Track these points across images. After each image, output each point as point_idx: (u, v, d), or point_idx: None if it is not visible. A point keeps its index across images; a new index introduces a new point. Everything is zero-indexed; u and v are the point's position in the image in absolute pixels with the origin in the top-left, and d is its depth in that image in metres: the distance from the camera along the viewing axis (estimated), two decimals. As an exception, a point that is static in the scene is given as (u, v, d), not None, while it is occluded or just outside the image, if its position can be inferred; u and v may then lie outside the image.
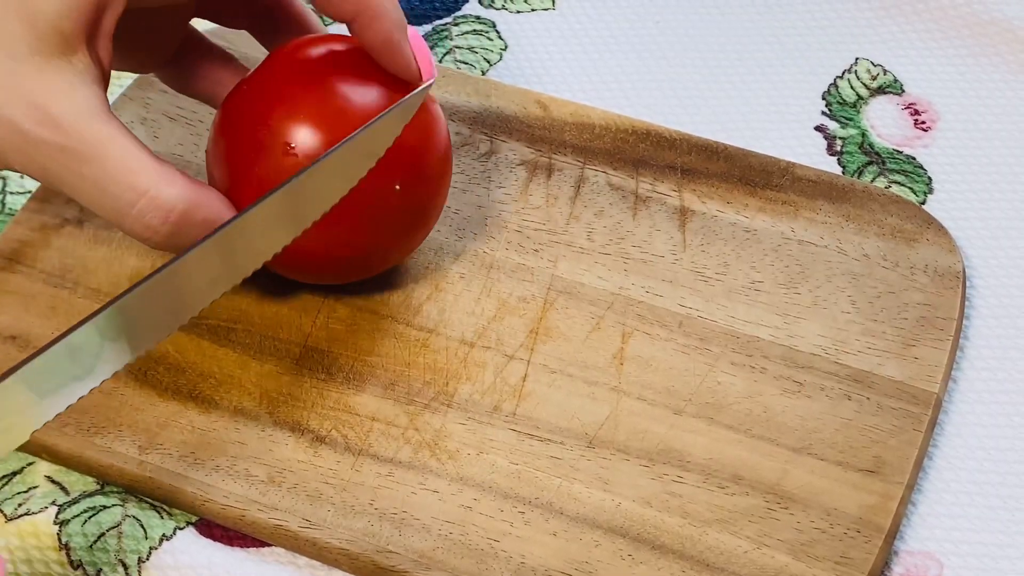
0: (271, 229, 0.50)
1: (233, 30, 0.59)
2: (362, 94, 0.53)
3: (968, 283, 0.59)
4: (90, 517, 0.53)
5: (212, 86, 0.57)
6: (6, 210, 0.62)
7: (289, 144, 0.52)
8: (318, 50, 0.54)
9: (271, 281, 0.58)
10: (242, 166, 0.53)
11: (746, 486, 0.52)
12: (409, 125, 0.52)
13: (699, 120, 0.66)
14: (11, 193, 0.63)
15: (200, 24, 0.58)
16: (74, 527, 0.53)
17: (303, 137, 0.52)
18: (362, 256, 0.56)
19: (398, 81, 0.53)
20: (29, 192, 0.63)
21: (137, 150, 0.49)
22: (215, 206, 0.50)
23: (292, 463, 0.53)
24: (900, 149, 0.64)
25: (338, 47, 0.54)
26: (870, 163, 0.64)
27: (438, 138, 0.55)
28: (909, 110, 0.66)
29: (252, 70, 0.55)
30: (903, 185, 0.63)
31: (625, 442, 0.53)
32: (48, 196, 0.61)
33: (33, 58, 0.49)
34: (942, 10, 0.69)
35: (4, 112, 0.48)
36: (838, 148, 0.65)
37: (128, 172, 0.49)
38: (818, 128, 0.65)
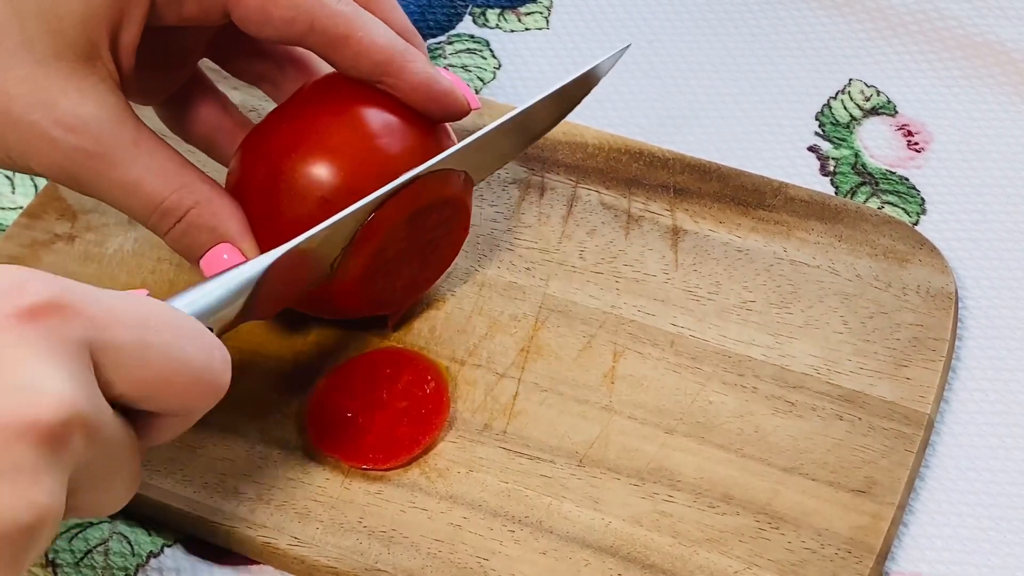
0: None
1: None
2: (391, 128, 0.53)
3: (960, 304, 0.59)
4: (77, 533, 0.53)
5: (210, 131, 0.57)
6: (-3, 226, 0.62)
7: (317, 181, 0.52)
8: (346, 85, 0.53)
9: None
10: (266, 200, 0.52)
11: (737, 506, 0.52)
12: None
13: (692, 140, 0.66)
14: (1, 208, 0.63)
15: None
16: (61, 543, 0.53)
17: (329, 174, 0.51)
18: (377, 310, 0.56)
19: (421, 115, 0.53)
20: (20, 208, 0.63)
21: (162, 153, 0.50)
22: (226, 213, 0.51)
23: (281, 480, 0.53)
24: (893, 170, 0.64)
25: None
26: (863, 184, 0.64)
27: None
28: (902, 131, 0.66)
29: (273, 109, 0.55)
30: (896, 206, 0.63)
31: (616, 461, 0.53)
32: (39, 212, 0.61)
33: (58, 63, 0.49)
34: (936, 32, 0.70)
35: (30, 117, 0.49)
36: (831, 168, 0.65)
37: (153, 176, 0.50)
38: (811, 148, 0.65)
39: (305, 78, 0.56)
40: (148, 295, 0.43)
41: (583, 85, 0.58)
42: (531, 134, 0.59)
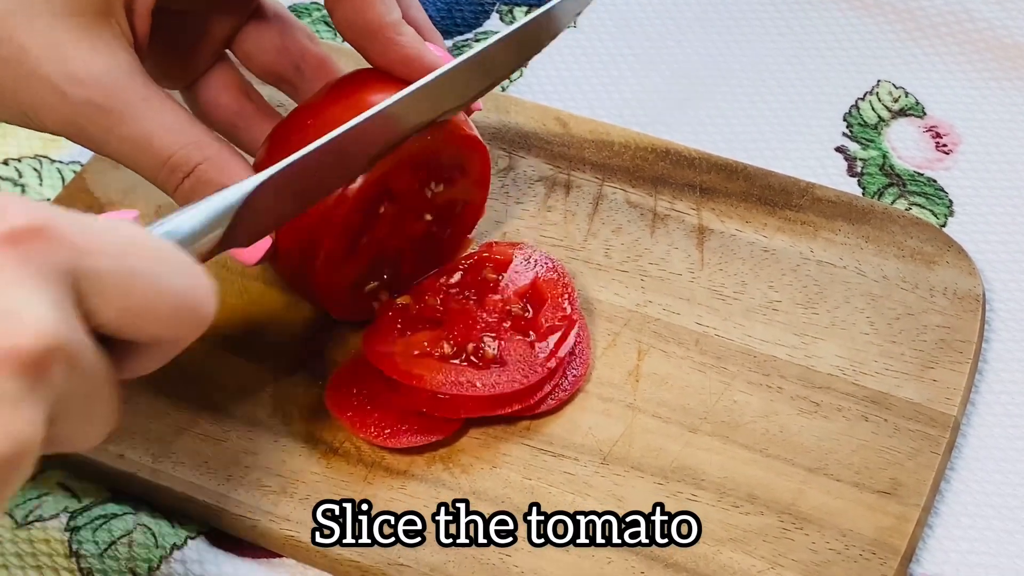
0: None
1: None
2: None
3: (988, 306, 0.59)
4: (101, 525, 0.53)
5: (231, 116, 0.57)
6: (25, 218, 0.62)
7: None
8: (372, 80, 0.54)
9: (288, 295, 0.58)
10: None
11: (761, 505, 0.52)
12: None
13: (719, 140, 0.66)
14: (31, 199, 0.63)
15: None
16: (85, 534, 0.53)
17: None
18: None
19: None
20: (47, 200, 0.63)
21: (172, 110, 0.51)
22: (236, 169, 0.51)
23: (305, 474, 0.53)
24: (921, 171, 0.64)
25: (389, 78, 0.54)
26: (891, 185, 0.64)
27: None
28: (930, 133, 0.66)
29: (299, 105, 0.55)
30: (923, 207, 0.63)
31: (639, 459, 0.53)
32: (66, 204, 0.61)
33: (73, 18, 0.49)
34: (965, 34, 0.69)
35: (43, 70, 0.49)
36: (858, 169, 0.64)
37: (163, 131, 0.50)
38: (839, 149, 0.65)
39: (324, 80, 0.56)
40: (136, 218, 0.42)
41: (544, 27, 0.57)
42: (492, 77, 0.57)
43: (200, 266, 0.41)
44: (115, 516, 0.53)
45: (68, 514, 0.53)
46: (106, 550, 0.52)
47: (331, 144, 0.50)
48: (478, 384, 0.53)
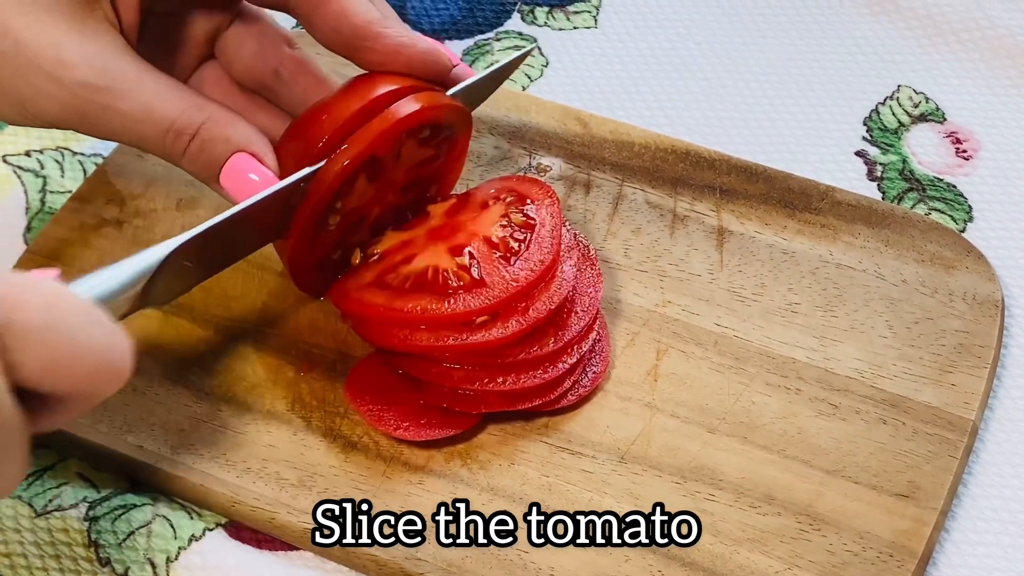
0: None
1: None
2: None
3: (1006, 312, 0.59)
4: (120, 515, 0.53)
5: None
6: (46, 209, 0.63)
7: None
8: (378, 81, 0.54)
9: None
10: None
11: (779, 506, 0.52)
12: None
13: (739, 142, 0.66)
14: (51, 192, 0.63)
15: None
16: (104, 524, 0.53)
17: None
18: None
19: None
20: (69, 192, 0.63)
21: (165, 81, 0.52)
22: (238, 123, 0.52)
23: (323, 468, 0.53)
24: (941, 176, 0.64)
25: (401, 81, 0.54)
26: (910, 190, 0.64)
27: None
28: (950, 138, 0.66)
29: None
30: (943, 212, 0.63)
31: (657, 458, 0.53)
32: (88, 196, 0.62)
33: (61, 8, 0.51)
34: (985, 40, 0.69)
35: (38, 60, 0.51)
36: (878, 174, 0.64)
37: (160, 100, 0.51)
38: (859, 153, 0.65)
39: (304, 83, 0.56)
40: (58, 276, 0.43)
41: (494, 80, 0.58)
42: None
43: (118, 324, 0.41)
44: (134, 507, 0.53)
45: (87, 504, 0.53)
46: (124, 540, 0.52)
47: (242, 212, 0.51)
48: (499, 379, 0.53)
